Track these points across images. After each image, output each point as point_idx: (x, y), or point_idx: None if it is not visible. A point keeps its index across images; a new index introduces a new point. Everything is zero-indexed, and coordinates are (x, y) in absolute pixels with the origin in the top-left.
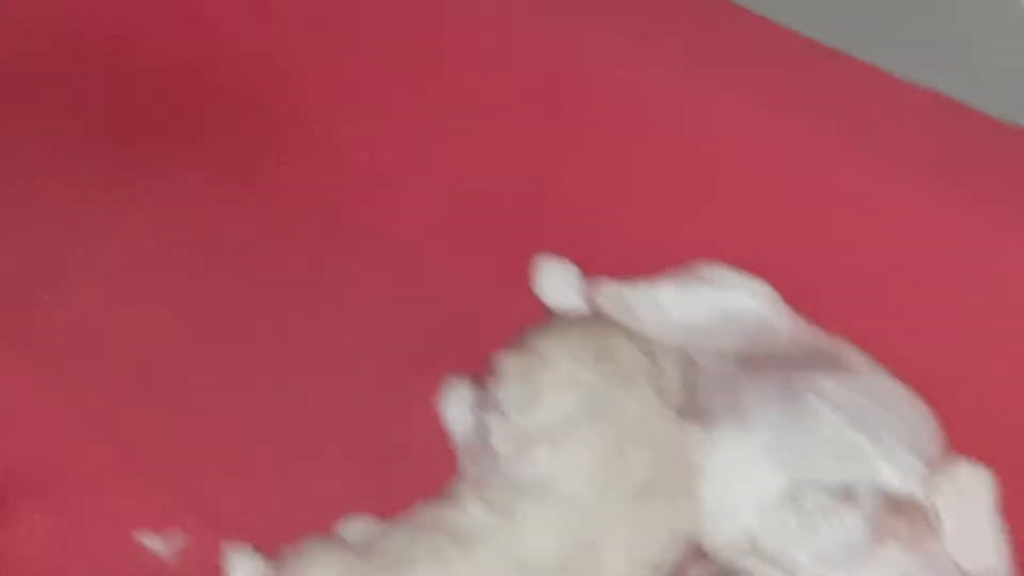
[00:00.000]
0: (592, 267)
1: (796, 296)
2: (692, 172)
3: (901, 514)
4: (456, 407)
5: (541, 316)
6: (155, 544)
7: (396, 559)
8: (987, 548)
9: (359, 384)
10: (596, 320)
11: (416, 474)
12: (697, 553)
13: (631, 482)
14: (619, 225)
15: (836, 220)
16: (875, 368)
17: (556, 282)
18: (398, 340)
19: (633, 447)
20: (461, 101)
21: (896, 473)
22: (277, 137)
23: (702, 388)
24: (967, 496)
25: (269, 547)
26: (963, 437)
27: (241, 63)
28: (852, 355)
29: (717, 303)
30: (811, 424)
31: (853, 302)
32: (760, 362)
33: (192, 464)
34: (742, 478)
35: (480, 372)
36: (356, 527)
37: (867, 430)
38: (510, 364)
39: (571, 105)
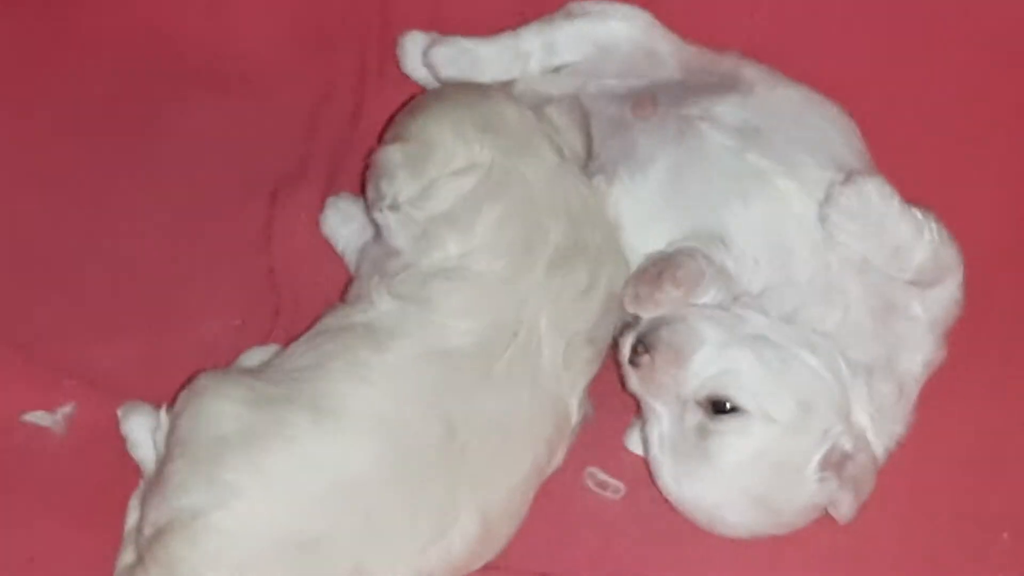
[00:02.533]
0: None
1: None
2: None
3: None
4: (337, 221)
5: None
6: (43, 420)
7: (304, 372)
8: (903, 246)
9: (229, 217)
10: (470, 88)
11: (308, 296)
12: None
13: (548, 249)
14: None
15: None
16: (775, 80)
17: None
18: (264, 164)
19: (545, 213)
20: None
21: (798, 185)
22: None
23: (596, 136)
24: (872, 204)
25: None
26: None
27: None
28: (748, 71)
29: (588, 37)
30: (708, 156)
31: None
32: (649, 97)
33: (69, 332)
34: (647, 227)
35: (356, 186)
36: (255, 355)
37: (767, 150)
38: (394, 158)
39: None
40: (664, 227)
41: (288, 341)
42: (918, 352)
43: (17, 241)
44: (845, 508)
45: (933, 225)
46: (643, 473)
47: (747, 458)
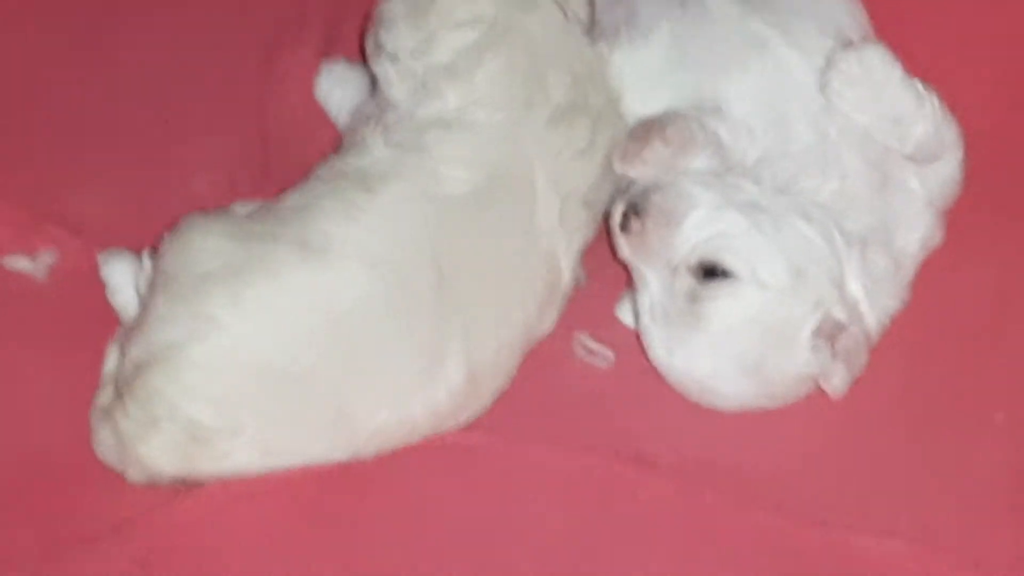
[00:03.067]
0: None
1: None
2: None
3: None
4: (331, 85)
5: None
6: (23, 265)
7: (293, 212)
8: (904, 117)
9: (222, 78)
10: None
11: (299, 158)
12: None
13: (549, 105)
14: None
15: None
16: None
17: None
18: (258, 17)
19: (548, 69)
20: None
21: (799, 52)
22: None
23: (599, 1)
24: (874, 71)
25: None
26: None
27: None
28: None
29: None
30: (710, 22)
31: None
32: None
33: (55, 180)
34: (647, 94)
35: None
36: (245, 206)
37: (769, 16)
38: (395, 8)
39: None
40: (664, 94)
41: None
42: (915, 229)
43: (5, 86)
44: (837, 381)
45: (935, 100)
46: (633, 342)
47: (738, 323)
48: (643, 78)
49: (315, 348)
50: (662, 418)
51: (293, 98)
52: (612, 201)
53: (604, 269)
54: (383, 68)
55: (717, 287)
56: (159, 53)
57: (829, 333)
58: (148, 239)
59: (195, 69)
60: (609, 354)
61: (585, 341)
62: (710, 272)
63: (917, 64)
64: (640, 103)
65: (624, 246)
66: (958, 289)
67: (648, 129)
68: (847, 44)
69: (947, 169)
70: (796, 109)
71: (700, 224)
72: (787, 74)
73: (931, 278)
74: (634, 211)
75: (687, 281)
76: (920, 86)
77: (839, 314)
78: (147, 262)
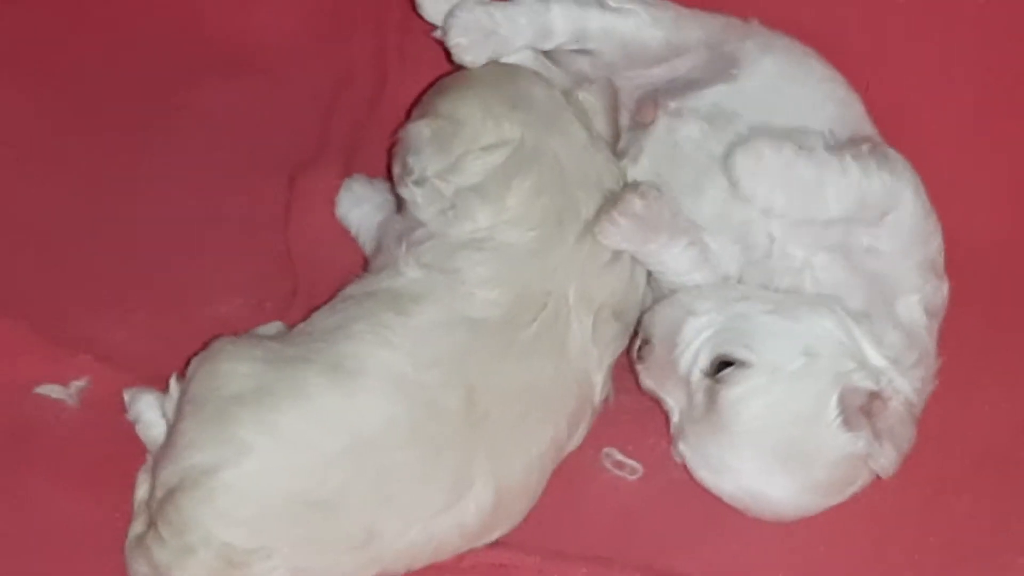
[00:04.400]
0: None
1: None
2: None
3: None
4: (350, 202)
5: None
6: (56, 393)
7: (324, 334)
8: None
9: (246, 199)
10: (499, 68)
11: (325, 277)
12: None
13: (579, 222)
14: None
15: None
16: (772, 47)
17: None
18: (282, 148)
19: (577, 188)
20: None
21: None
22: None
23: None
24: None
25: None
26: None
27: None
28: (750, 43)
29: (617, 34)
30: (678, 147)
31: None
32: (651, 101)
33: (86, 308)
34: None
35: (373, 170)
36: (272, 327)
37: (728, 136)
38: (422, 133)
39: None
40: None
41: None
42: (909, 291)
43: (37, 219)
44: (884, 460)
45: (849, 162)
46: (660, 454)
47: (761, 411)
48: None
49: (345, 470)
50: (693, 531)
51: (316, 218)
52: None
53: (628, 378)
54: (410, 191)
55: (730, 377)
56: (181, 179)
57: (862, 406)
58: (177, 363)
59: (218, 193)
60: (637, 467)
61: (613, 455)
62: (722, 369)
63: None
64: None
65: (642, 375)
66: (979, 416)
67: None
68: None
69: (904, 215)
70: (750, 223)
71: (700, 328)
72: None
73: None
74: (645, 340)
75: (703, 384)
76: (826, 155)
77: (865, 382)
78: (175, 387)
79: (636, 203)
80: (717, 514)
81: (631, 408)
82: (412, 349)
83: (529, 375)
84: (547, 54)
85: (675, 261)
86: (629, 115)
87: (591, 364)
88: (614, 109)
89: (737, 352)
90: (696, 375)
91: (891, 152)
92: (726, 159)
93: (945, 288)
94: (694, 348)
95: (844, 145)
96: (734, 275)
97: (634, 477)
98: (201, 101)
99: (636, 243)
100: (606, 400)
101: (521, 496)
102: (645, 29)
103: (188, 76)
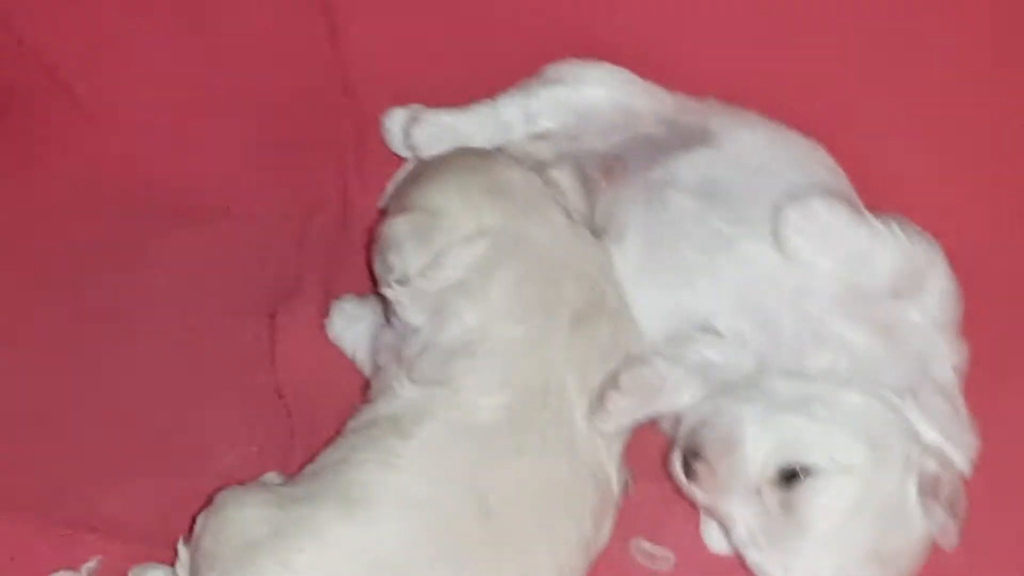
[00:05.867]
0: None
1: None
2: None
3: None
4: (343, 323)
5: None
6: None
7: (329, 468)
8: (865, 252)
9: (228, 345)
10: (473, 154)
11: (322, 412)
12: None
13: (568, 312)
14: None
15: None
16: (743, 123)
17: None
18: (257, 286)
19: (561, 274)
20: None
21: (760, 243)
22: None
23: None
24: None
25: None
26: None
27: None
28: (717, 119)
29: (566, 104)
30: (674, 224)
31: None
32: (619, 162)
33: (83, 485)
34: (637, 297)
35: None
36: (275, 477)
37: (728, 210)
38: (400, 229)
39: None
40: (650, 298)
41: (308, 461)
42: (943, 357)
43: (15, 402)
44: (952, 534)
45: (894, 227)
46: (690, 540)
47: (843, 515)
48: (629, 281)
49: None
50: None
51: (303, 351)
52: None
53: (645, 463)
54: (395, 292)
55: (806, 488)
56: (162, 337)
57: (931, 488)
58: (184, 525)
59: (201, 345)
60: (670, 556)
61: (643, 546)
62: (791, 476)
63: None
64: (635, 304)
65: (697, 491)
66: None
67: (606, 382)
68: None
69: (938, 287)
70: (773, 300)
71: (759, 437)
72: (755, 267)
73: None
74: (692, 455)
75: (774, 495)
76: (873, 219)
77: (931, 466)
78: (183, 552)
79: (621, 401)
80: None
81: (654, 495)
82: (420, 468)
83: (543, 476)
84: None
85: (691, 396)
86: (593, 187)
87: (601, 455)
88: (587, 187)
89: (805, 459)
90: (764, 487)
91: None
92: (776, 215)
93: (965, 346)
94: (756, 460)
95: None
96: (750, 366)
97: (667, 567)
98: (168, 252)
99: (644, 411)
100: (626, 489)
101: None
102: (590, 91)
103: (149, 229)
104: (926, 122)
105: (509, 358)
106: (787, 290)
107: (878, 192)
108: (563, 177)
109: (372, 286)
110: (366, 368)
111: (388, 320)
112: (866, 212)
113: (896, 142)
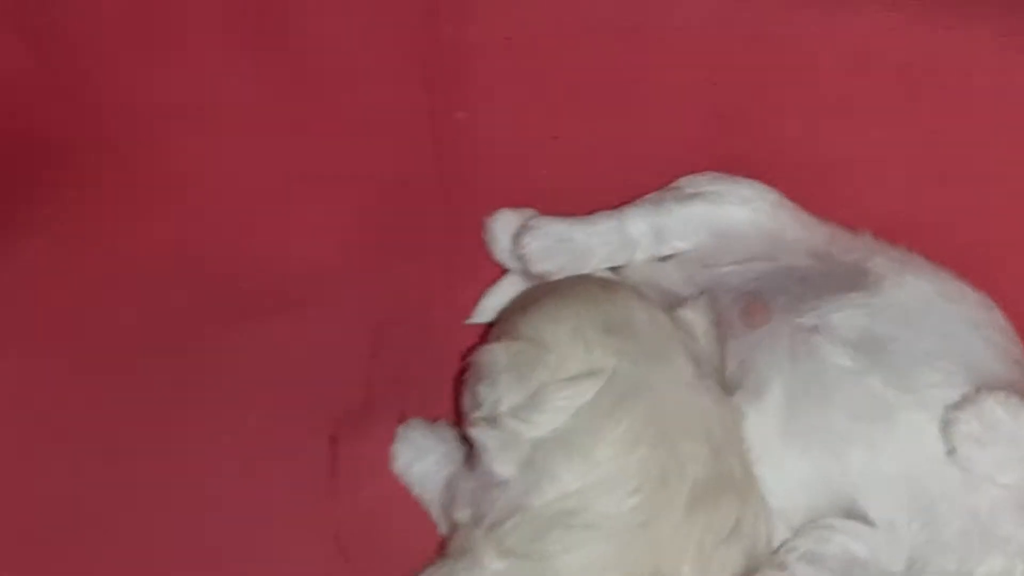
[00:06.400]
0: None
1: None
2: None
3: None
4: (410, 456)
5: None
6: None
7: None
8: None
9: (284, 473)
10: (592, 283)
11: (385, 562)
12: None
13: (687, 485)
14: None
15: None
16: (906, 270)
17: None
18: (321, 400)
19: (682, 437)
20: None
21: (927, 415)
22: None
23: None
24: (1000, 423)
25: None
26: None
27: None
28: (877, 260)
29: (703, 223)
30: (825, 381)
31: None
32: (760, 302)
33: None
34: (772, 465)
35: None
36: None
37: (890, 370)
38: (497, 358)
39: None
40: (790, 468)
41: None
42: None
43: (59, 502)
44: None
45: None
46: None
47: None
48: (764, 445)
49: None
50: None
51: (369, 486)
52: None
53: None
54: (481, 432)
55: None
56: (213, 441)
57: None
58: None
59: (256, 461)
60: None
61: None
62: None
63: None
64: (767, 473)
65: None
66: None
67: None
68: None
69: None
70: (936, 487)
71: None
72: (920, 445)
73: None
74: None
75: None
76: None
77: None
78: None
79: None
80: None
81: None
82: None
83: None
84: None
85: None
86: (722, 326)
87: None
88: (716, 329)
89: None
90: None
91: None
92: (944, 423)
93: None
94: None
95: None
96: (898, 568)
97: None
98: (232, 346)
99: None
100: None
101: None
102: (732, 211)
103: (208, 321)
104: None
105: (614, 537)
106: (955, 478)
107: None
108: (697, 318)
109: (456, 421)
110: (433, 511)
111: (469, 463)
112: None
113: None
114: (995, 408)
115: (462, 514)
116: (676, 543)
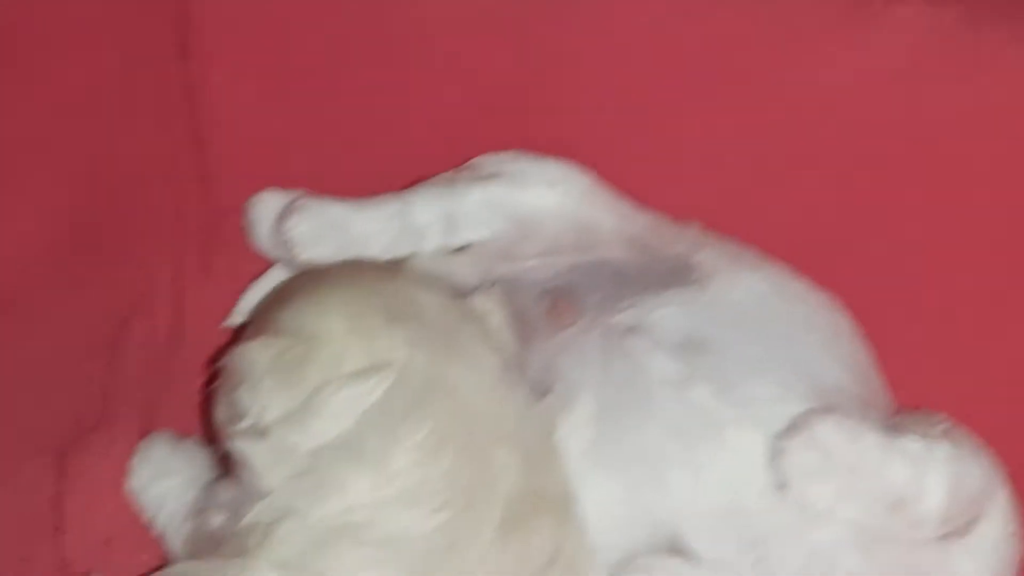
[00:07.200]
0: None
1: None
2: None
3: None
4: (148, 475)
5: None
6: None
7: None
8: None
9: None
10: (367, 268)
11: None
12: None
13: (498, 501)
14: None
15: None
16: (740, 265)
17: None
18: (48, 415)
19: (491, 446)
20: None
21: (757, 434)
22: None
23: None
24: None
25: None
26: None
27: None
28: (705, 253)
29: (503, 208)
30: (641, 392)
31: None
32: (568, 297)
33: None
34: (585, 486)
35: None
36: None
37: (716, 379)
38: (257, 359)
39: None
40: (603, 494)
41: None
42: None
43: None
44: None
45: (942, 449)
46: None
47: None
48: (575, 471)
49: None
50: None
51: (104, 510)
52: None
53: None
54: (247, 447)
55: None
56: None
57: None
58: None
59: None
60: None
61: None
62: None
63: None
64: (584, 509)
65: None
66: None
67: None
68: (791, 420)
69: (995, 524)
70: (770, 519)
71: None
72: (751, 469)
73: None
74: None
75: None
76: (912, 441)
77: None
78: None
79: None
80: None
81: None
82: None
83: None
84: None
85: None
86: (524, 325)
87: None
88: (519, 324)
89: None
90: None
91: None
92: (773, 453)
93: None
94: None
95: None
96: None
97: None
98: None
99: None
100: None
101: None
102: (536, 194)
103: None
104: None
105: (413, 560)
106: (791, 509)
107: None
108: (491, 307)
109: (208, 439)
110: (168, 541)
111: (226, 484)
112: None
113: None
114: (829, 435)
115: (217, 520)
116: (485, 571)
